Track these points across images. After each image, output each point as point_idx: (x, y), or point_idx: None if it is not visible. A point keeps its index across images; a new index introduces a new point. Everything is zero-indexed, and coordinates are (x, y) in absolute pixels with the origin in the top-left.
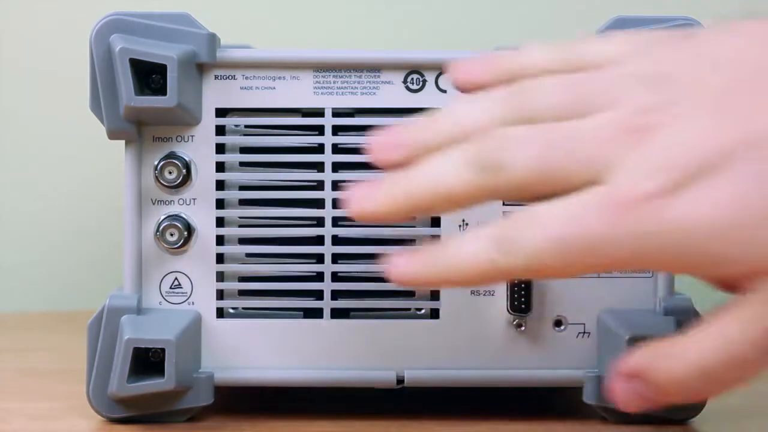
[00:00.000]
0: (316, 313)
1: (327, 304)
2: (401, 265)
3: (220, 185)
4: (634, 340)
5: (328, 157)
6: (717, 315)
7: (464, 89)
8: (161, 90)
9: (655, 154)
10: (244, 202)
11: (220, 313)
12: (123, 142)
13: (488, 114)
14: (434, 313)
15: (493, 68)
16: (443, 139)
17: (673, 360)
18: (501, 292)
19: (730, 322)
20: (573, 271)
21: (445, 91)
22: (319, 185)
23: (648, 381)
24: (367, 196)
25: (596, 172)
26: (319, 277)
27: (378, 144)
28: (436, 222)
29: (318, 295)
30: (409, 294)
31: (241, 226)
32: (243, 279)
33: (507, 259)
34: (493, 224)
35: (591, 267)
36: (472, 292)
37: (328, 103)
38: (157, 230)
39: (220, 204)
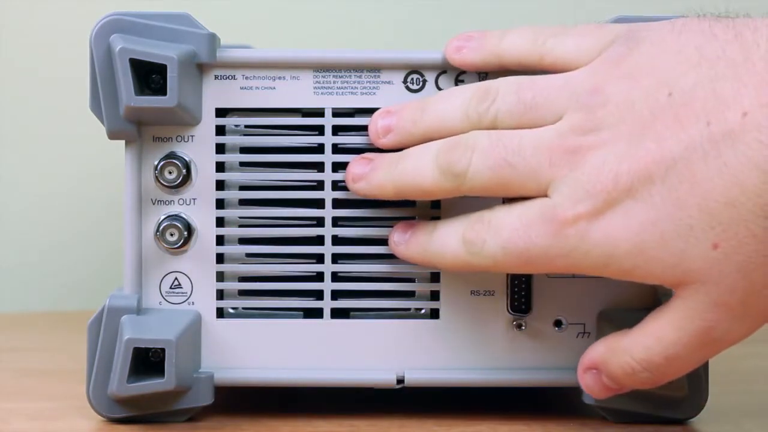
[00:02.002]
0: (316, 313)
1: (327, 304)
2: (401, 244)
3: (220, 185)
4: None
5: (328, 157)
6: (656, 315)
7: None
8: (161, 90)
9: (584, 178)
10: (244, 202)
11: (220, 313)
12: (123, 142)
13: (462, 113)
14: (434, 313)
15: (482, 51)
16: (425, 132)
17: (622, 356)
18: (501, 292)
19: (665, 325)
20: (529, 271)
21: None
22: (319, 185)
23: (604, 373)
24: (363, 177)
25: (542, 185)
26: (319, 277)
27: (374, 127)
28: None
29: (318, 295)
30: (409, 294)
31: (241, 226)
32: (243, 279)
33: (477, 260)
34: (465, 222)
35: (538, 270)
36: (472, 292)
37: (328, 103)
38: (157, 230)
39: (220, 204)
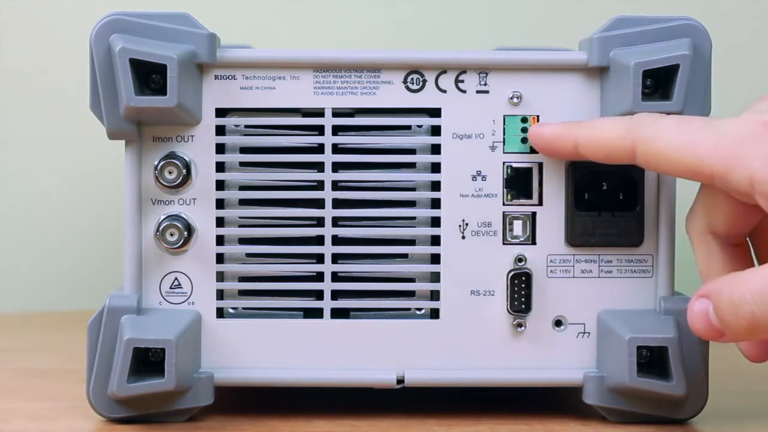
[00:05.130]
0: (316, 313)
1: (327, 304)
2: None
3: (220, 185)
4: (634, 341)
5: (328, 157)
6: None
7: None
8: (161, 90)
9: None
10: (244, 202)
11: (220, 313)
12: (123, 142)
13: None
14: (434, 313)
15: None
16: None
17: (738, 285)
18: (501, 292)
19: None
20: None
21: (444, 91)
22: (319, 185)
23: (714, 303)
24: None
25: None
26: (319, 277)
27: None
28: (436, 222)
29: (318, 295)
30: (409, 294)
31: (241, 226)
32: (243, 279)
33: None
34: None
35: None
36: (472, 292)
37: (328, 103)
38: (157, 230)
39: (220, 204)
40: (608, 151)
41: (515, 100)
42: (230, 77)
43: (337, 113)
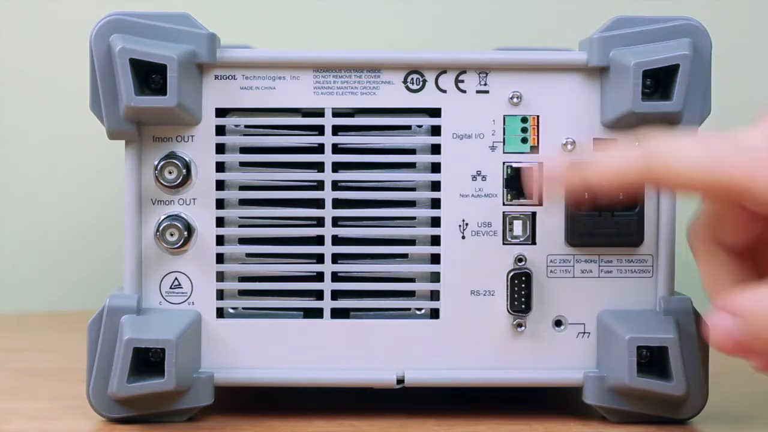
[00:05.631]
0: (316, 313)
1: (327, 304)
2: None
3: (220, 185)
4: (634, 341)
5: (328, 157)
6: None
7: None
8: (161, 90)
9: None
10: (244, 202)
11: (220, 313)
12: (123, 142)
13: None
14: (434, 313)
15: None
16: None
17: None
18: (501, 292)
19: None
20: None
21: (444, 91)
22: (319, 185)
23: (748, 318)
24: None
25: None
26: (319, 277)
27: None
28: (436, 222)
29: (318, 295)
30: (409, 294)
31: (241, 226)
32: (243, 279)
33: None
34: None
35: None
36: (472, 292)
37: (328, 103)
38: (157, 230)
39: (220, 204)
40: (626, 180)
41: (515, 100)
42: (230, 77)
43: (337, 113)
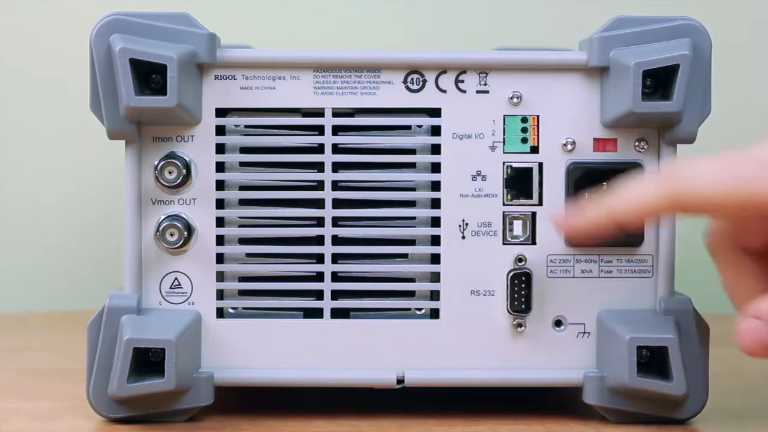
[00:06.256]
0: (316, 313)
1: (327, 304)
2: None
3: (220, 185)
4: (634, 341)
5: (328, 157)
6: None
7: None
8: (161, 90)
9: None
10: (244, 202)
11: (220, 313)
12: (123, 142)
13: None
14: (434, 313)
15: None
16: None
17: None
18: (501, 292)
19: None
20: None
21: (444, 91)
22: (319, 185)
23: (761, 318)
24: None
25: None
26: (319, 277)
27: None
28: (436, 222)
29: (318, 295)
30: (409, 294)
31: (241, 226)
32: (243, 279)
33: None
34: None
35: None
36: (472, 292)
37: (328, 103)
38: (157, 230)
39: (220, 204)
40: (653, 212)
41: (515, 100)
42: (230, 77)
43: (337, 113)
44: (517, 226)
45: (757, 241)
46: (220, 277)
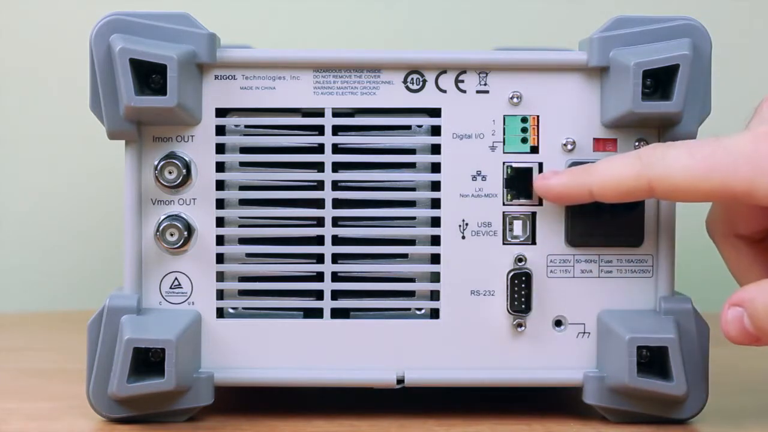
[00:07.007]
0: (316, 313)
1: (327, 304)
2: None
3: (220, 185)
4: (634, 341)
5: (328, 157)
6: None
7: None
8: (161, 90)
9: None
10: (244, 202)
11: (220, 313)
12: (123, 142)
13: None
14: (434, 313)
15: None
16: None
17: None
18: (501, 292)
19: None
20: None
21: (444, 91)
22: (319, 185)
23: (748, 310)
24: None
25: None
26: (319, 277)
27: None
28: (436, 222)
29: (318, 295)
30: (409, 294)
31: (241, 226)
32: (243, 279)
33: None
34: None
35: None
36: (472, 292)
37: (328, 103)
38: (157, 230)
39: (220, 204)
40: (625, 194)
41: (515, 100)
42: (230, 77)
43: (337, 113)
44: (517, 226)
45: (748, 227)
46: (220, 277)
